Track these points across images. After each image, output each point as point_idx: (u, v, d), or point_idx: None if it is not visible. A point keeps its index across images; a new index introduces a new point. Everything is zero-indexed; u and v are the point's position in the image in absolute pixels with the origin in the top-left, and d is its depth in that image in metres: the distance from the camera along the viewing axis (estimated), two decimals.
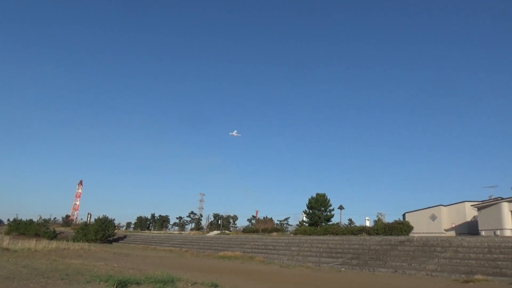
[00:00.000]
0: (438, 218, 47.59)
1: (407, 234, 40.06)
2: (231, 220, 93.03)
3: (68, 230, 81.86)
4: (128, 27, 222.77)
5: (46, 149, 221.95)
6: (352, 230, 44.91)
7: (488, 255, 24.30)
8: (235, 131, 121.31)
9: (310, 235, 46.15)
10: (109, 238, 66.49)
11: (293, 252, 37.24)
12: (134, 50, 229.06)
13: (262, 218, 76.90)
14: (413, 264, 25.83)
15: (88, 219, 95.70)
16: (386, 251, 30.78)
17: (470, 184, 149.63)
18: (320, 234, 45.35)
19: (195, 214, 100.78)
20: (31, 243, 32.68)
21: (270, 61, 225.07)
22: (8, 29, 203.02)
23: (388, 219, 63.54)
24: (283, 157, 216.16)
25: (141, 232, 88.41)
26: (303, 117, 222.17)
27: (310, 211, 54.83)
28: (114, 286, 12.17)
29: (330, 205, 54.54)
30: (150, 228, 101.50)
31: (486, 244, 26.10)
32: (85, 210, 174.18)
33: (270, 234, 55.87)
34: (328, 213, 54.08)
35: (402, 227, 41.52)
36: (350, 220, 71.28)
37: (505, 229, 36.96)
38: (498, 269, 21.54)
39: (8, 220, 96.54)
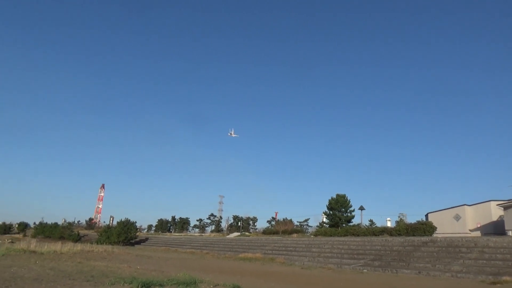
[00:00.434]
0: (462, 218, 46.46)
1: (431, 235, 39.26)
2: (251, 222, 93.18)
3: (91, 233, 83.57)
4: (138, 29, 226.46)
5: (69, 153, 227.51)
6: (374, 231, 44.28)
7: None
8: (233, 131, 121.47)
9: (331, 236, 45.78)
10: (131, 241, 67.52)
11: (314, 254, 37.01)
12: (142, 52, 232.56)
13: (281, 219, 76.70)
14: (437, 265, 25.30)
15: (111, 222, 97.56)
16: (409, 252, 30.25)
17: (495, 183, 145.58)
18: (341, 235, 44.92)
19: (215, 216, 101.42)
20: (56, 246, 33.40)
21: (281, 61, 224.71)
22: (26, 33, 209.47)
23: (410, 219, 62.38)
24: (302, 158, 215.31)
25: (162, 235, 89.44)
26: (320, 117, 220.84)
27: (330, 212, 54.38)
28: None
29: (351, 206, 53.97)
30: (171, 230, 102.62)
31: None
32: (108, 213, 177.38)
33: (290, 235, 55.68)
34: (349, 214, 53.51)
35: (425, 228, 40.70)
36: (371, 221, 70.30)
37: None
38: None
39: (34, 223, 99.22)
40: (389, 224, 61.30)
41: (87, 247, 38.91)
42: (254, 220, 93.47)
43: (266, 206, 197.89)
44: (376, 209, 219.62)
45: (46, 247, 31.88)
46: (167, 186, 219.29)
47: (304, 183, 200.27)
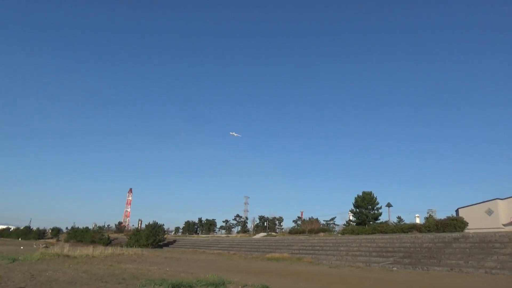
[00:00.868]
0: (495, 212, 44.94)
1: (462, 231, 38.12)
2: (277, 222, 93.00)
3: (121, 236, 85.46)
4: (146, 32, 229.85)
5: (97, 159, 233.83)
6: (402, 228, 43.39)
7: None
8: (235, 132, 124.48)
9: (358, 234, 45.17)
10: (159, 243, 68.64)
11: (341, 252, 36.63)
12: (150, 54, 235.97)
13: (307, 218, 76.26)
14: (470, 262, 24.59)
15: (139, 225, 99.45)
16: (439, 248, 29.52)
17: None
18: (368, 233, 44.26)
19: (241, 217, 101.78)
20: (88, 250, 34.36)
21: (294, 60, 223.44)
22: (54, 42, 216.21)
23: (440, 215, 60.99)
24: (326, 157, 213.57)
25: (190, 236, 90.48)
26: (343, 116, 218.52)
27: (357, 210, 53.68)
28: None
29: (378, 203, 53.11)
30: (198, 232, 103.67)
31: None
32: (136, 217, 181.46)
33: (317, 234, 55.29)
34: (376, 212, 52.67)
35: (455, 224, 39.55)
36: (399, 218, 69.14)
37: None
38: None
39: (67, 228, 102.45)
40: (417, 221, 59.96)
41: (117, 250, 39.86)
42: (280, 220, 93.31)
43: (291, 206, 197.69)
44: (404, 206, 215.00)
45: (78, 251, 32.85)
46: (192, 188, 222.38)
47: (329, 182, 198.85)
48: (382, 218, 53.76)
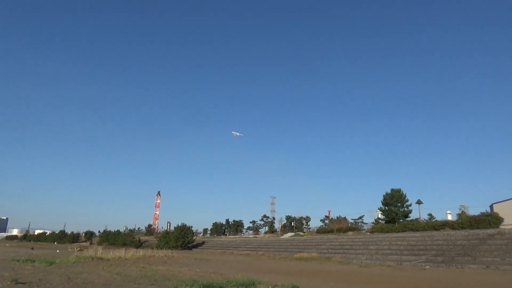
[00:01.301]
0: None
1: (497, 227, 36.74)
2: (304, 221, 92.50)
3: (151, 238, 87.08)
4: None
5: (127, 163, 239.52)
6: (434, 225, 42.24)
7: None
8: (235, 131, 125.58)
9: (388, 232, 44.29)
10: (188, 245, 69.47)
11: (371, 251, 36.06)
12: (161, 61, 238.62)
13: (335, 217, 75.44)
14: (507, 259, 23.71)
15: (168, 227, 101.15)
16: (474, 246, 28.59)
17: None
18: (398, 231, 43.34)
19: (268, 217, 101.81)
20: (120, 252, 35.22)
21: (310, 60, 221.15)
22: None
23: (473, 211, 58.96)
24: (352, 155, 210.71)
25: (218, 238, 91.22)
26: (371, 113, 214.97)
27: (386, 207, 52.64)
28: None
29: (407, 200, 51.88)
30: (226, 233, 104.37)
31: None
32: (165, 219, 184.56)
33: (346, 233, 54.60)
34: (406, 209, 51.48)
35: (490, 220, 38.16)
36: (430, 215, 67.39)
37: None
38: None
39: (99, 231, 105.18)
40: (449, 217, 58.38)
41: (148, 252, 40.69)
42: (307, 219, 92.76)
43: (318, 205, 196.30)
44: (434, 203, 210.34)
45: (111, 253, 33.72)
46: (219, 189, 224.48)
47: (356, 180, 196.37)
48: (412, 216, 52.50)
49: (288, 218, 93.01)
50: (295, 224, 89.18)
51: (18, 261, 24.80)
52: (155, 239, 79.93)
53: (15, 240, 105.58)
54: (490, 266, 23.21)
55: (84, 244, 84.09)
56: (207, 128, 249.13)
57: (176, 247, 63.88)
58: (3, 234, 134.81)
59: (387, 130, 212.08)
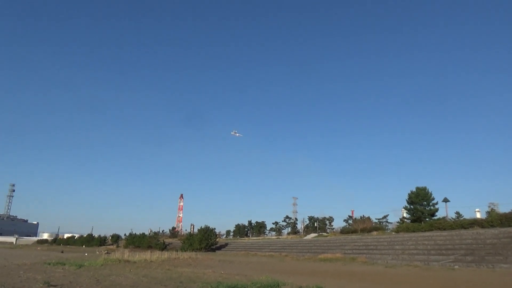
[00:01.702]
0: None
1: None
2: (327, 222, 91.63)
3: (175, 241, 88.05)
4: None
5: (150, 167, 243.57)
6: (462, 223, 41.11)
7: None
8: (235, 131, 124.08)
9: (414, 232, 43.39)
10: (212, 247, 69.96)
11: (397, 251, 35.43)
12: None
13: (358, 217, 74.45)
14: None
15: (192, 229, 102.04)
16: (505, 244, 27.67)
17: None
18: (425, 230, 42.39)
19: (290, 218, 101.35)
20: (146, 255, 35.83)
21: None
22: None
23: (503, 209, 57.01)
24: (374, 154, 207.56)
25: (241, 239, 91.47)
26: (392, 111, 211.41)
27: (411, 206, 51.56)
28: None
29: (433, 199, 50.65)
30: (249, 234, 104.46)
31: None
32: (188, 221, 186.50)
33: (370, 233, 53.83)
34: (432, 208, 50.27)
35: None
36: (457, 213, 65.47)
37: None
38: None
39: (125, 234, 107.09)
40: (478, 216, 56.66)
41: (173, 254, 41.25)
42: (330, 219, 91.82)
43: (341, 205, 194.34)
44: (462, 201, 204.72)
45: (137, 256, 34.35)
46: (241, 191, 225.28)
47: (379, 179, 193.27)
48: (439, 214, 51.20)
49: (311, 218, 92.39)
50: (318, 225, 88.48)
51: (49, 264, 25.57)
52: (179, 241, 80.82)
53: (46, 244, 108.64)
54: None
55: (111, 247, 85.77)
56: (230, 129, 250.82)
57: (200, 249, 64.46)
58: (34, 238, 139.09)
59: (411, 127, 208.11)
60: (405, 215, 56.43)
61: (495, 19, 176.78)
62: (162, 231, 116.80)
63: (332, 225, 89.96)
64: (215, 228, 74.80)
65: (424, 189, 51.00)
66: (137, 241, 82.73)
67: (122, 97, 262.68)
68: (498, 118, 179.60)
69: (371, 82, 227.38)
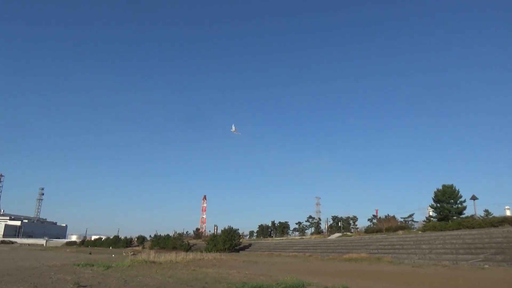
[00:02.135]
0: None
1: None
2: (351, 221, 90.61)
3: (199, 242, 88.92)
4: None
5: (173, 168, 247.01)
6: (491, 221, 39.87)
7: None
8: (234, 128, 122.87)
9: (441, 231, 42.38)
10: (236, 247, 70.26)
11: (424, 251, 34.72)
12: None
13: (383, 216, 73.28)
14: None
15: (215, 230, 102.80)
16: None
17: None
18: (452, 229, 41.33)
19: (314, 218, 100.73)
20: (171, 256, 36.32)
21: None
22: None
23: None
24: (398, 152, 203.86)
25: (264, 240, 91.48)
26: (416, 110, 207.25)
27: (437, 205, 50.36)
28: None
29: (460, 197, 49.30)
30: (272, 235, 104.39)
31: None
32: (212, 222, 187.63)
33: (395, 232, 52.90)
34: (459, 206, 48.96)
35: None
36: (486, 211, 63.48)
37: None
38: None
39: (150, 236, 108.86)
40: (508, 213, 54.94)
41: (197, 255, 41.66)
42: (354, 219, 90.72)
43: (365, 204, 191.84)
44: (491, 198, 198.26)
45: (163, 257, 34.86)
46: (264, 191, 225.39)
47: (404, 177, 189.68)
48: (467, 212, 49.82)
49: (335, 218, 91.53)
50: (342, 224, 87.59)
51: (78, 265, 26.26)
52: (203, 242, 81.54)
53: (74, 246, 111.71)
54: None
55: (137, 248, 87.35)
56: (252, 130, 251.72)
57: (224, 250, 64.81)
58: (63, 240, 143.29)
59: (437, 125, 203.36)
60: (431, 213, 55.22)
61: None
62: (186, 232, 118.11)
63: (356, 225, 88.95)
64: (238, 229, 75.15)
65: (451, 186, 49.75)
66: (162, 243, 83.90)
67: (142, 101, 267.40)
68: None
69: (392, 80, 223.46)
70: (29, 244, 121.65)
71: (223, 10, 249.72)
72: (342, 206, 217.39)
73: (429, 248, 35.07)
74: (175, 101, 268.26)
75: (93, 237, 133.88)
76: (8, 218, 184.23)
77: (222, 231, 74.34)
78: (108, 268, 24.15)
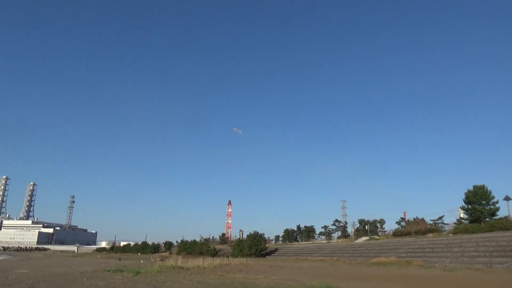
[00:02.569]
0: None
1: None
2: (378, 225, 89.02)
3: (225, 247, 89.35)
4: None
5: (198, 175, 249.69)
6: None
7: None
8: (235, 128, 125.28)
9: (473, 233, 40.98)
10: (262, 252, 70.11)
11: (456, 254, 33.69)
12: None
13: (411, 219, 71.58)
14: None
15: (241, 235, 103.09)
16: None
17: None
18: (485, 231, 39.91)
19: (340, 221, 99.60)
20: (198, 261, 36.63)
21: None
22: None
23: None
24: (425, 154, 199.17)
25: (290, 244, 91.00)
26: (449, 109, 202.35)
27: (468, 206, 48.79)
28: None
29: (493, 197, 47.56)
30: (298, 239, 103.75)
31: None
32: (237, 227, 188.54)
33: (425, 235, 51.58)
34: (492, 207, 47.23)
35: None
36: None
37: None
38: None
39: (177, 241, 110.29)
40: None
41: (224, 260, 41.87)
42: (382, 222, 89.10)
43: (391, 207, 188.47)
44: None
45: (190, 262, 35.21)
46: (288, 196, 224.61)
47: (432, 179, 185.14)
48: (500, 214, 48.00)
49: (361, 221, 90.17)
50: (369, 228, 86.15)
51: (109, 271, 26.87)
52: (229, 247, 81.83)
53: (104, 252, 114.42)
54: None
55: (164, 254, 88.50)
56: (276, 134, 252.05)
57: (250, 255, 64.80)
58: (94, 247, 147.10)
59: (466, 124, 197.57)
60: (462, 215, 53.64)
61: None
62: (212, 237, 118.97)
63: (384, 228, 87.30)
64: (263, 234, 75.02)
65: (483, 187, 48.12)
66: (189, 248, 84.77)
67: (166, 108, 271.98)
68: None
69: (418, 80, 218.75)
70: (61, 251, 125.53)
71: (225, 12, 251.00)
72: (368, 209, 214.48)
73: (461, 251, 34.01)
74: (195, 109, 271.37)
75: (122, 243, 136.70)
76: (41, 225, 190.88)
77: (247, 236, 74.42)
78: (137, 274, 24.61)
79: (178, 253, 76.85)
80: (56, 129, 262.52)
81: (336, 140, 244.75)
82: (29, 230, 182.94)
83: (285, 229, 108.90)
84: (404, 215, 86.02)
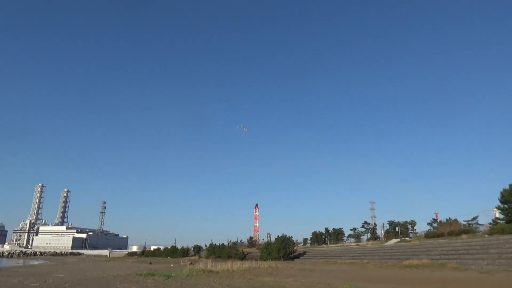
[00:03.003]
0: None
1: None
2: (409, 226, 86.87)
3: (253, 250, 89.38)
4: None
5: (225, 179, 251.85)
6: None
7: None
8: (242, 125, 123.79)
9: (510, 233, 39.39)
10: (290, 255, 69.67)
11: (492, 256, 32.44)
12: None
13: (444, 220, 69.48)
14: None
15: (268, 238, 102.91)
16: None
17: None
18: None
19: (369, 223, 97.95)
20: (228, 265, 36.88)
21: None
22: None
23: None
24: (455, 154, 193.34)
25: (318, 247, 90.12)
26: (481, 107, 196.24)
27: (505, 206, 47.01)
28: None
29: None
30: (326, 242, 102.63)
31: None
32: (265, 230, 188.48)
33: (458, 236, 49.98)
34: None
35: None
36: None
37: None
38: None
39: (205, 245, 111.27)
40: None
41: (253, 264, 41.94)
42: (413, 223, 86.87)
43: (422, 208, 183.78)
44: None
45: (219, 266, 35.49)
46: (316, 198, 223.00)
47: (463, 179, 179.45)
48: None
49: (391, 223, 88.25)
50: (399, 229, 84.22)
51: (141, 275, 27.46)
52: (257, 250, 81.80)
53: (135, 256, 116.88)
54: None
55: (194, 257, 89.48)
56: (301, 135, 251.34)
57: (278, 258, 64.54)
58: (125, 251, 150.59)
59: (499, 122, 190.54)
60: (497, 215, 51.72)
61: None
62: (240, 241, 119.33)
63: (415, 229, 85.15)
64: (291, 237, 74.57)
65: None
66: (217, 252, 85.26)
67: (189, 114, 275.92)
68: None
69: (451, 80, 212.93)
70: (94, 255, 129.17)
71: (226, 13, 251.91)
72: (398, 210, 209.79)
73: (498, 252, 32.72)
74: (221, 112, 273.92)
75: (152, 248, 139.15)
76: (75, 231, 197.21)
77: (275, 239, 74.15)
78: (168, 278, 25.02)
79: (207, 257, 77.57)
80: (87, 137, 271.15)
81: (364, 141, 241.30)
82: (63, 236, 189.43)
83: (313, 231, 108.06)
84: (436, 216, 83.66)
